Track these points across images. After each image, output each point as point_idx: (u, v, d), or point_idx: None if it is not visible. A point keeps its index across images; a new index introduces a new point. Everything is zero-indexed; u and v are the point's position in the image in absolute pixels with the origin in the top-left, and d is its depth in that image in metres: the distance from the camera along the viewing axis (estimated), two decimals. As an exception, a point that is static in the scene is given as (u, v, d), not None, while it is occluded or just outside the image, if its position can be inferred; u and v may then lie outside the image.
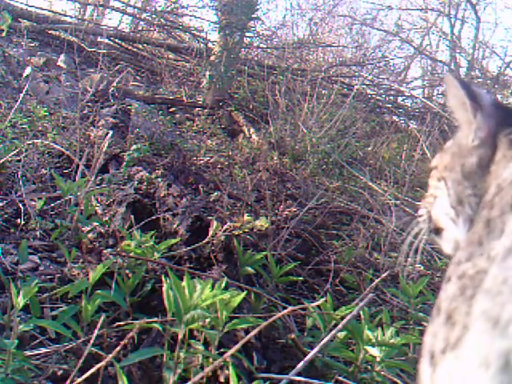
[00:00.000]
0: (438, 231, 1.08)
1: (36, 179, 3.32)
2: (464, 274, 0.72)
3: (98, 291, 1.93)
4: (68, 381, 1.48)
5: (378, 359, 1.92)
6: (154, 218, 2.79)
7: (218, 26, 6.79)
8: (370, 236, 3.63)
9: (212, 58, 6.69)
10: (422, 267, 3.41)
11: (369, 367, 1.97)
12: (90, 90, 5.47)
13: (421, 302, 2.60)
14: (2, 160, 3.00)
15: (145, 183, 3.25)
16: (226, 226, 2.59)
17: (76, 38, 7.21)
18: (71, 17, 9.09)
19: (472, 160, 0.97)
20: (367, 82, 8.63)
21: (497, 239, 0.71)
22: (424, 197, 1.15)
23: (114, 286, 2.00)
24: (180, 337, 1.63)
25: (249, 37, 7.60)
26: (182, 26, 8.91)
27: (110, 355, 1.42)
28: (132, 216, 2.78)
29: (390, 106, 8.72)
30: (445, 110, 7.91)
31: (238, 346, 1.57)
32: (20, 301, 1.65)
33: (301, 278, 2.78)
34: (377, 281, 2.36)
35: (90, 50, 7.00)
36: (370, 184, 4.84)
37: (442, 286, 0.78)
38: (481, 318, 0.64)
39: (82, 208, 2.59)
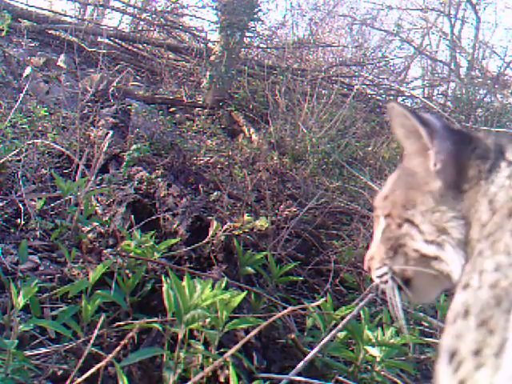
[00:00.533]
0: (407, 282, 1.04)
1: (36, 179, 3.32)
2: (497, 284, 0.72)
3: (98, 291, 1.93)
4: (68, 381, 1.48)
5: (378, 359, 1.92)
6: (154, 218, 2.79)
7: (218, 25, 6.79)
8: (370, 236, 3.62)
9: (212, 58, 6.68)
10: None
11: (369, 367, 1.97)
12: (89, 90, 5.46)
13: (421, 302, 2.60)
14: (2, 160, 3.00)
15: (145, 183, 3.25)
16: (225, 226, 2.59)
17: (76, 38, 7.20)
18: (71, 17, 9.09)
19: (437, 184, 0.97)
20: (367, 82, 8.63)
21: None
22: (372, 257, 1.09)
23: (114, 285, 2.00)
24: (180, 337, 1.63)
25: (249, 37, 7.59)
26: (182, 25, 8.90)
27: (110, 355, 1.42)
28: (132, 216, 2.78)
29: (390, 106, 8.69)
30: (445, 110, 7.92)
31: (238, 346, 1.57)
32: (20, 301, 1.65)
33: (301, 278, 2.78)
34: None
35: (90, 50, 6.99)
36: (370, 184, 4.83)
37: (457, 291, 0.79)
38: None
39: (82, 208, 2.59)
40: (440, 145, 0.97)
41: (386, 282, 1.05)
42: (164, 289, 1.69)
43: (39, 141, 3.54)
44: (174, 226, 2.70)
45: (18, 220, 2.75)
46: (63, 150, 3.37)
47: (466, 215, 0.93)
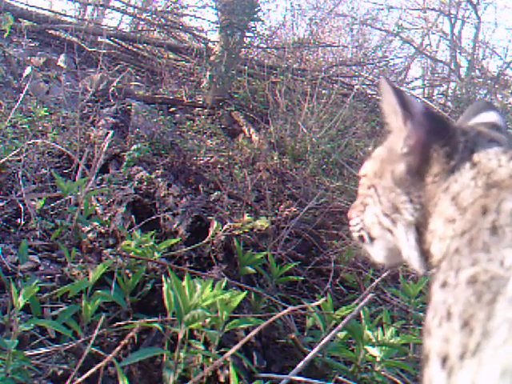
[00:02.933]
0: (371, 240, 1.10)
1: (36, 179, 3.32)
2: (475, 279, 0.71)
3: (98, 291, 1.93)
4: (68, 381, 1.48)
5: (378, 359, 1.92)
6: (154, 217, 2.79)
7: (218, 25, 6.79)
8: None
9: (212, 57, 6.68)
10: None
11: (369, 367, 1.97)
12: (90, 89, 5.47)
13: (421, 302, 2.60)
14: (2, 160, 3.00)
15: (145, 183, 3.25)
16: (226, 226, 2.59)
17: (76, 37, 7.20)
18: (71, 17, 9.09)
19: (401, 167, 0.99)
20: (367, 82, 8.63)
21: (509, 247, 0.72)
22: (353, 206, 1.16)
23: (114, 285, 2.00)
24: (180, 337, 1.63)
25: (249, 37, 7.59)
26: (182, 25, 8.90)
27: (110, 355, 1.42)
28: (132, 216, 2.78)
29: (390, 105, 8.67)
30: (445, 110, 7.92)
31: (238, 346, 1.57)
32: (20, 301, 1.65)
33: (301, 278, 2.78)
34: (377, 281, 2.36)
35: (90, 49, 6.99)
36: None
37: (435, 289, 0.78)
38: (504, 326, 0.64)
39: (82, 208, 2.59)
40: (412, 130, 0.97)
41: (359, 231, 1.13)
42: (164, 289, 1.69)
43: (39, 141, 3.54)
44: (174, 226, 2.70)
45: (18, 220, 2.75)
46: (63, 149, 3.37)
47: (425, 204, 0.95)
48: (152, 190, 3.16)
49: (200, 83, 6.94)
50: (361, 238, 1.13)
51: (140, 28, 9.18)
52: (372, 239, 1.10)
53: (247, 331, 1.89)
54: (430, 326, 0.76)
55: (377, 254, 1.11)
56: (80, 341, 1.78)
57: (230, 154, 5.10)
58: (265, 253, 2.59)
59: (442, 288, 0.77)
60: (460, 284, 0.73)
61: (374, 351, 1.92)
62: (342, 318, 1.96)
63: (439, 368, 0.71)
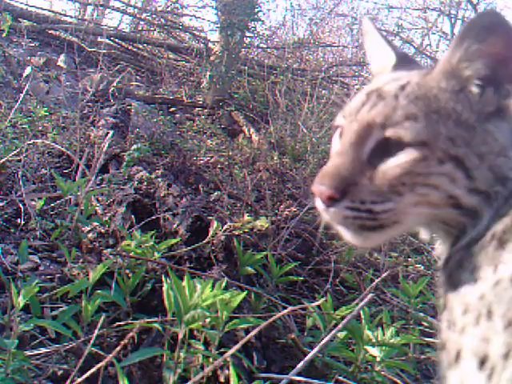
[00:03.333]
0: (387, 225, 0.84)
1: (36, 179, 3.32)
2: None
3: (98, 291, 1.93)
4: (68, 381, 1.48)
5: (378, 359, 1.92)
6: (154, 218, 2.79)
7: (218, 25, 6.79)
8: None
9: (212, 58, 6.69)
10: (422, 267, 3.41)
11: (369, 367, 1.97)
12: (90, 89, 5.47)
13: (421, 302, 2.60)
14: (2, 160, 3.00)
15: (145, 183, 3.25)
16: (226, 226, 2.59)
17: (76, 37, 7.20)
18: (71, 17, 9.08)
19: None
20: (367, 82, 8.62)
21: None
22: (357, 184, 0.84)
23: (114, 285, 2.00)
24: (180, 337, 1.63)
25: (249, 37, 7.59)
26: (182, 25, 8.91)
27: (110, 355, 1.42)
28: (132, 216, 2.78)
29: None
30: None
31: (238, 346, 1.57)
32: (20, 301, 1.65)
33: (301, 278, 2.78)
34: (377, 281, 2.36)
35: (90, 49, 6.99)
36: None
37: (465, 280, 0.72)
38: None
39: (82, 208, 2.59)
40: None
41: (388, 217, 0.82)
42: (164, 289, 1.69)
43: (39, 141, 3.53)
44: (174, 226, 2.70)
45: (18, 220, 2.75)
46: (63, 149, 3.37)
47: None
48: (152, 190, 3.16)
49: (200, 83, 6.94)
50: (375, 222, 0.83)
51: (140, 28, 9.19)
52: (388, 225, 0.83)
53: (247, 331, 1.89)
54: (462, 323, 0.70)
55: (376, 238, 0.87)
56: (80, 341, 1.78)
57: (230, 153, 5.09)
58: (265, 253, 2.59)
59: (475, 282, 0.70)
60: (502, 281, 0.67)
61: (374, 351, 1.92)
62: (342, 318, 1.96)
63: (476, 369, 0.66)
